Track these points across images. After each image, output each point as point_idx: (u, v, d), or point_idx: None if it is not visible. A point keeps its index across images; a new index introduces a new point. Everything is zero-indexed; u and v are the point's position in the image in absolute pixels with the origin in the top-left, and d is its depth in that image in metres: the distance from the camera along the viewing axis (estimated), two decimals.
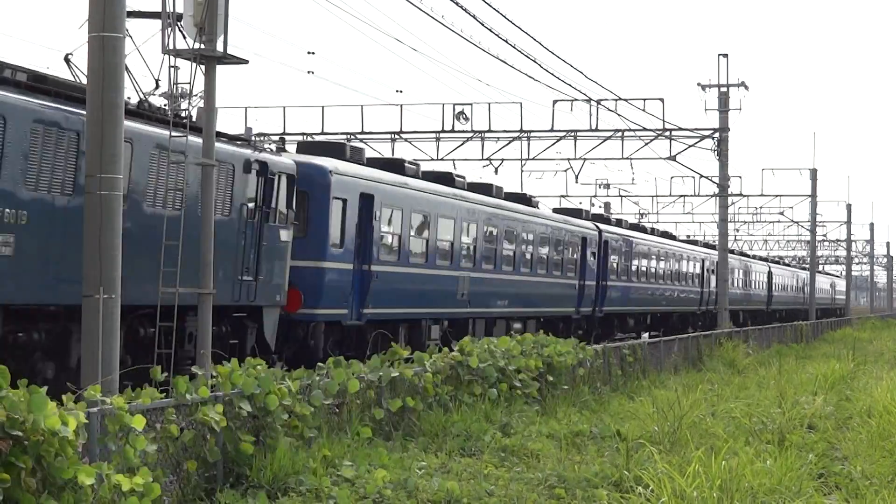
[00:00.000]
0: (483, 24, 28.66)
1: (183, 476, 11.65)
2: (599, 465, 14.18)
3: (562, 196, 58.00)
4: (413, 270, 29.19)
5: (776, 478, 12.51)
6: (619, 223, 50.78)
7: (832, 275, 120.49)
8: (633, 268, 48.92)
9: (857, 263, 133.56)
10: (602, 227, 45.61)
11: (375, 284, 26.90)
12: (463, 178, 34.00)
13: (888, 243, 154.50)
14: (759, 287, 76.48)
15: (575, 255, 41.71)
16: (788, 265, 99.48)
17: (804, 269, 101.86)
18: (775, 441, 15.90)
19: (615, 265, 46.20)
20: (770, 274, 79.56)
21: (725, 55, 46.97)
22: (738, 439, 15.63)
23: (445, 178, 32.91)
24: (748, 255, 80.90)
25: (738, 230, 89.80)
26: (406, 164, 30.68)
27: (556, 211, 46.11)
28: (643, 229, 54.95)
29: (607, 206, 72.89)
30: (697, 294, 60.10)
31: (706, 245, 68.70)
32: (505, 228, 35.24)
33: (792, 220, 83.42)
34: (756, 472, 12.46)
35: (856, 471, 14.24)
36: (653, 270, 51.87)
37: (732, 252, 66.61)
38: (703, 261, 61.04)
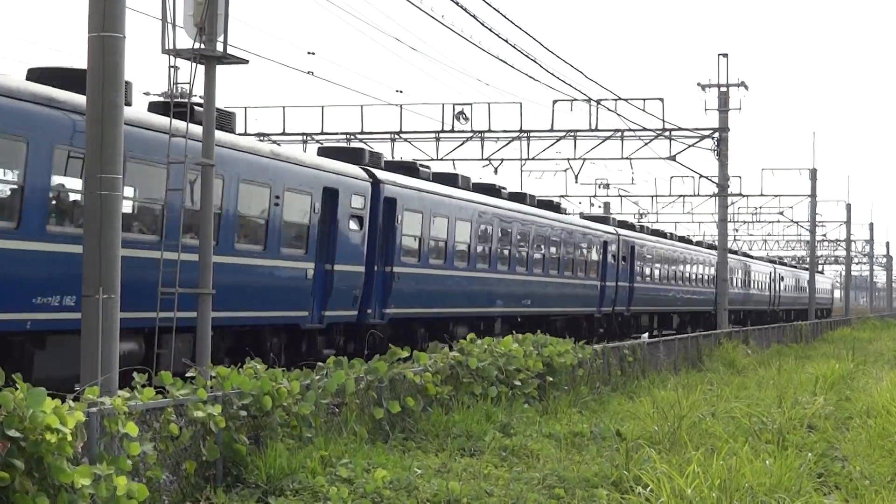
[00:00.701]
0: (483, 24, 28.68)
1: (182, 475, 11.66)
2: (599, 465, 14.18)
3: (562, 196, 57.94)
4: None
5: (776, 478, 12.51)
6: (442, 178, 32.53)
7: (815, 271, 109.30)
8: (463, 247, 31.87)
9: (857, 263, 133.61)
10: (383, 175, 27.74)
11: None
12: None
13: (888, 243, 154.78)
14: (672, 279, 54.57)
15: (306, 221, 24.20)
16: (739, 253, 76.28)
17: (774, 262, 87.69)
18: (775, 441, 15.90)
19: (418, 240, 29.36)
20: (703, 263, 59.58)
21: (725, 55, 47.04)
22: (738, 439, 15.62)
23: None
24: (670, 237, 59.62)
25: (737, 230, 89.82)
26: None
27: (320, 153, 28.13)
28: (496, 192, 36.33)
29: (607, 205, 72.95)
30: (594, 289, 43.50)
31: (599, 219, 49.89)
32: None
33: (792, 220, 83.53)
34: (755, 472, 12.47)
35: (855, 471, 14.25)
36: (504, 253, 34.65)
37: (642, 229, 53.61)
38: (604, 243, 44.60)
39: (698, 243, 66.08)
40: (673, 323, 55.66)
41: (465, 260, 31.90)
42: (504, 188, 37.27)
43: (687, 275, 56.46)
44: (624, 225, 50.75)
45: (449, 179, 33.02)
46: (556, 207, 42.28)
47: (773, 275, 79.44)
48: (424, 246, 29.58)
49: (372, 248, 26.95)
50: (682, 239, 61.92)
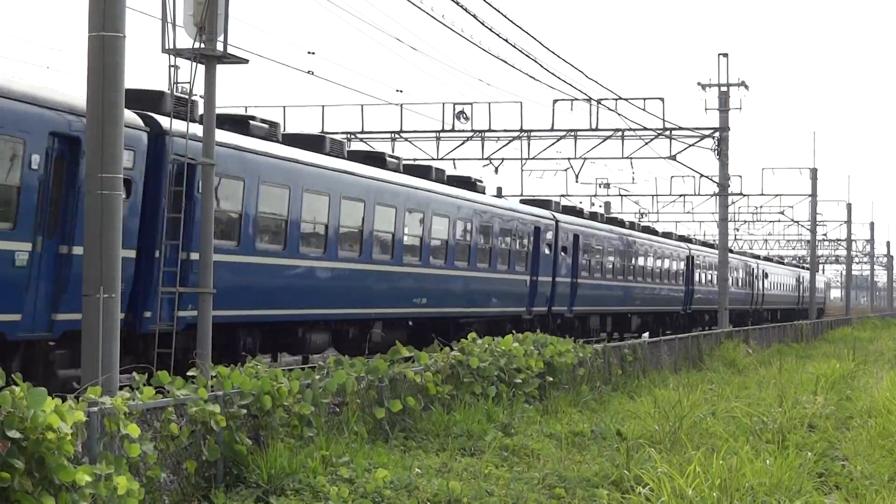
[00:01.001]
0: (483, 24, 28.62)
1: (182, 475, 11.66)
2: (600, 464, 14.19)
3: (562, 195, 57.94)
4: None
5: (776, 477, 12.51)
6: (299, 141, 25.57)
7: (799, 267, 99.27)
8: (319, 228, 24.59)
9: (858, 263, 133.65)
10: (173, 125, 19.20)
11: None
12: None
13: (888, 243, 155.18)
14: (630, 275, 47.00)
15: (15, 180, 16.28)
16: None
17: (758, 257, 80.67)
18: (776, 441, 15.90)
19: (239, 218, 21.91)
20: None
21: (725, 55, 46.96)
22: (739, 439, 15.63)
23: None
24: (630, 226, 50.60)
25: (738, 229, 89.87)
26: None
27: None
28: (381, 163, 28.88)
29: (607, 205, 73.00)
30: (521, 286, 35.87)
31: (538, 202, 41.13)
32: None
33: (792, 220, 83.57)
34: (756, 472, 12.47)
35: (856, 470, 14.25)
36: (385, 238, 27.36)
37: (593, 216, 45.70)
38: (536, 230, 37.05)
39: (666, 234, 58.06)
40: (632, 325, 48.71)
41: (320, 246, 24.58)
42: (398, 158, 30.13)
43: (650, 270, 49.29)
44: (568, 211, 43.35)
45: (310, 142, 25.87)
46: (471, 185, 34.04)
47: (755, 272, 73.17)
48: (248, 225, 22.04)
49: (151, 226, 19.27)
50: (647, 229, 54.51)
